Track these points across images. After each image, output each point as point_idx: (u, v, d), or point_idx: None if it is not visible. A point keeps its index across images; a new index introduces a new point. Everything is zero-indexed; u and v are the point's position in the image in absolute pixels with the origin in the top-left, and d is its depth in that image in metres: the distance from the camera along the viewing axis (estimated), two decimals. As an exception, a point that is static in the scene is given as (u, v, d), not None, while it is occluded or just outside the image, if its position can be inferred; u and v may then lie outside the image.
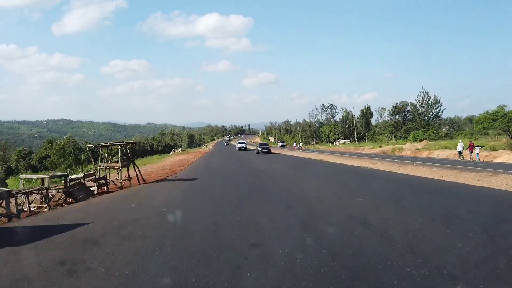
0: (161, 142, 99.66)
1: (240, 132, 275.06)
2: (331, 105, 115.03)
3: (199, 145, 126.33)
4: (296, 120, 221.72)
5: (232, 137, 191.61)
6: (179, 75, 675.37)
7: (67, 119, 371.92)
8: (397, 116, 78.95)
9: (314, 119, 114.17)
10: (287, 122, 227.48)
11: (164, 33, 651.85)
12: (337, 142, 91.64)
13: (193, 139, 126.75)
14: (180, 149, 63.70)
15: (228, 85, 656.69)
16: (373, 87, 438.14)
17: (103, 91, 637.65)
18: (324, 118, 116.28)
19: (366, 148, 54.72)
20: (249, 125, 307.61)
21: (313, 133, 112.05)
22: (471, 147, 28.53)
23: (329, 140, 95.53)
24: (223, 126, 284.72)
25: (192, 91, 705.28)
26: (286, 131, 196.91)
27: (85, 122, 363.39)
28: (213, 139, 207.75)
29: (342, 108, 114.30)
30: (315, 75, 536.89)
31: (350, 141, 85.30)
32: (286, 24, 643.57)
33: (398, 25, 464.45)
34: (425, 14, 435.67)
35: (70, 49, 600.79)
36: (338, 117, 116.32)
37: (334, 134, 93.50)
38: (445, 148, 36.86)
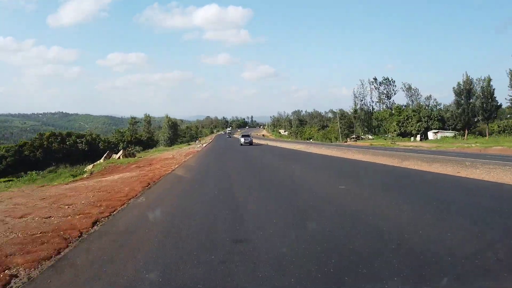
0: (124, 136, 58.35)
1: (243, 124, 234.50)
2: (387, 79, 73.29)
3: (195, 138, 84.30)
4: (306, 111, 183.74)
5: (231, 130, 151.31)
6: (177, 68, 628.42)
7: (64, 112, 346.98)
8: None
9: (361, 100, 72.39)
10: (297, 112, 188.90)
11: (162, 25, 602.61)
12: (432, 134, 49.97)
13: (179, 130, 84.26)
14: (121, 153, 22.22)
15: (228, 78, 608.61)
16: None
17: (101, 84, 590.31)
18: (375, 98, 74.69)
19: None
20: (252, 117, 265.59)
21: (364, 121, 70.73)
22: None
23: (405, 131, 54.24)
24: (224, 118, 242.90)
25: (191, 84, 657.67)
26: (300, 122, 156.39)
27: (81, 115, 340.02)
28: (212, 132, 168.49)
29: (404, 84, 72.37)
30: (315, 67, 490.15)
31: (469, 133, 43.97)
32: (286, 16, 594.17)
33: (399, 16, 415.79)
34: (425, 5, 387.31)
35: (67, 41, 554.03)
36: (397, 97, 75.24)
37: (421, 122, 51.87)
38: None
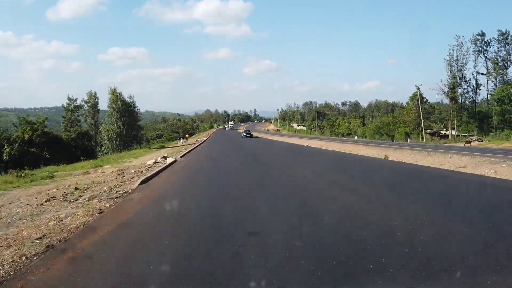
0: (17, 132, 27.61)
1: (246, 118, 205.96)
2: (504, 34, 41.70)
3: (180, 136, 53.76)
4: (317, 104, 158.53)
5: (234, 124, 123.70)
6: (178, 63, 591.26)
7: (61, 106, 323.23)
8: None
9: (460, 70, 41.11)
10: (309, 104, 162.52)
11: (162, 19, 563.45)
12: None
13: (140, 119, 50.38)
14: None
15: (229, 73, 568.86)
16: (376, 75, 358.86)
17: (102, 79, 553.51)
18: (486, 64, 43.07)
19: None
20: (255, 110, 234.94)
21: (463, 108, 39.93)
22: None
23: None
24: (225, 111, 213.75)
25: (192, 79, 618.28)
26: (319, 114, 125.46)
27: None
28: (212, 127, 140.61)
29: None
30: (318, 62, 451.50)
31: None
32: (287, 9, 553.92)
33: (399, 11, 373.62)
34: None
35: (66, 36, 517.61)
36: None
37: None
38: None
